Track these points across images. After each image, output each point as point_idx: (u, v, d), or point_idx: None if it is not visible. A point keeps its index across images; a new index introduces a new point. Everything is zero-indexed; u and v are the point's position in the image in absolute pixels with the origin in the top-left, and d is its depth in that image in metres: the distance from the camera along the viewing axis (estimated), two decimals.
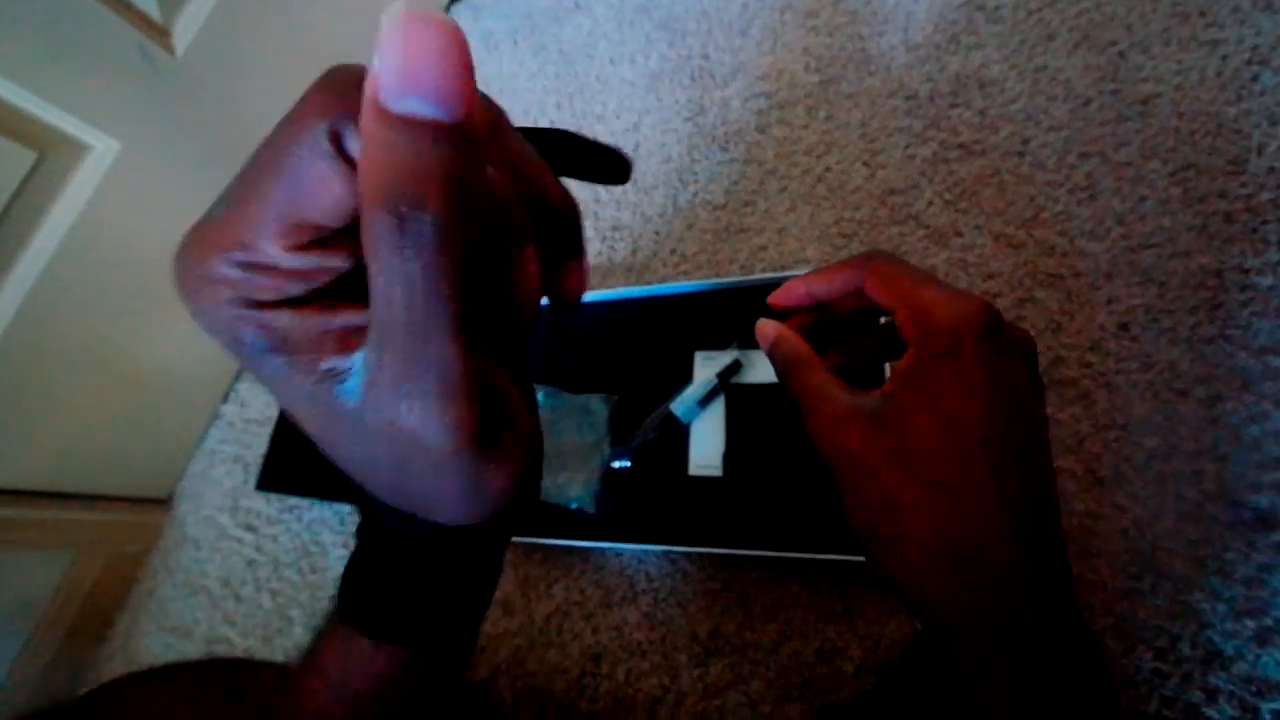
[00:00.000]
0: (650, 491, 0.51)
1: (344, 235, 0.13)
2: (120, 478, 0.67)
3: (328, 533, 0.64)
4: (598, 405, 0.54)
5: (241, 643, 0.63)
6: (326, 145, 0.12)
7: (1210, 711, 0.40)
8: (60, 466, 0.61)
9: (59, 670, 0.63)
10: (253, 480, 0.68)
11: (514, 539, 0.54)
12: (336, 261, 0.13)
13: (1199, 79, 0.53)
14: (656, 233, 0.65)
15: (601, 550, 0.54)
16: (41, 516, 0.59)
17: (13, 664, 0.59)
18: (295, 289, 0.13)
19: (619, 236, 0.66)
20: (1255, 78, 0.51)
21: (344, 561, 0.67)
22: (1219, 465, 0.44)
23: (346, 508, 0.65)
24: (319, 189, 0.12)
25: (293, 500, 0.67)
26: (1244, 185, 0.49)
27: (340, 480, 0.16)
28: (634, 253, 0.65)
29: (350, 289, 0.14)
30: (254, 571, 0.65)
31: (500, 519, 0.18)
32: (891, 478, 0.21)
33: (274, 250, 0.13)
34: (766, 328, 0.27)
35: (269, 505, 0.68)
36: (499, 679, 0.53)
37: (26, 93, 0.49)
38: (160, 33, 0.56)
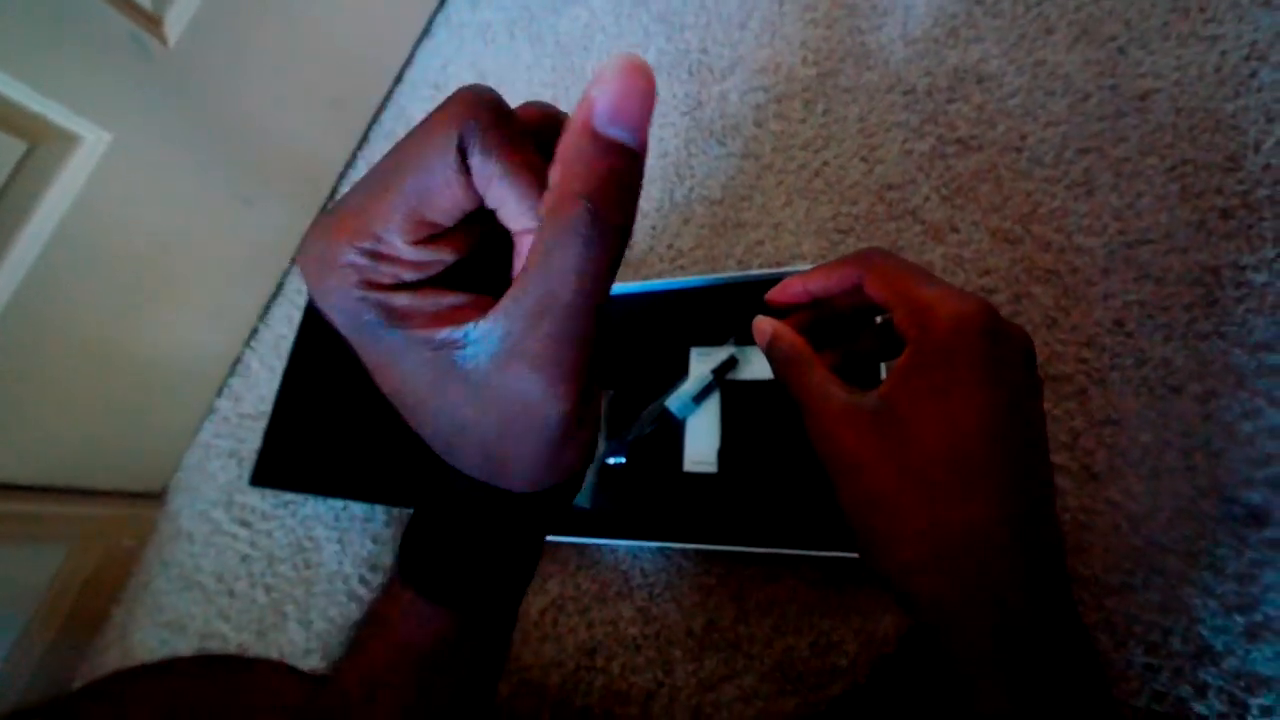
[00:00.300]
0: (645, 488, 0.51)
1: (454, 232, 0.16)
2: (114, 472, 0.67)
3: (322, 528, 0.64)
4: None
5: (235, 637, 0.63)
6: (453, 156, 0.14)
7: (1200, 706, 0.41)
8: (54, 461, 0.61)
9: (54, 663, 0.63)
10: (247, 475, 0.68)
11: None
12: (447, 255, 0.16)
13: (1197, 75, 0.52)
14: (653, 228, 0.64)
15: (597, 546, 0.54)
16: (36, 510, 0.59)
17: (7, 657, 0.59)
18: (411, 276, 0.15)
19: None
20: (1254, 74, 0.51)
21: (338, 557, 0.67)
22: (1212, 461, 0.44)
23: (340, 504, 0.65)
24: (443, 192, 0.15)
25: (287, 496, 0.67)
26: (1241, 182, 0.49)
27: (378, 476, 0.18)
28: (630, 248, 0.64)
29: (448, 278, 0.16)
30: (248, 567, 0.65)
31: (560, 488, 0.19)
32: (889, 477, 0.21)
33: (399, 242, 0.15)
34: (764, 324, 0.27)
35: (263, 500, 0.68)
36: None
37: (16, 82, 0.48)
38: (152, 22, 0.56)
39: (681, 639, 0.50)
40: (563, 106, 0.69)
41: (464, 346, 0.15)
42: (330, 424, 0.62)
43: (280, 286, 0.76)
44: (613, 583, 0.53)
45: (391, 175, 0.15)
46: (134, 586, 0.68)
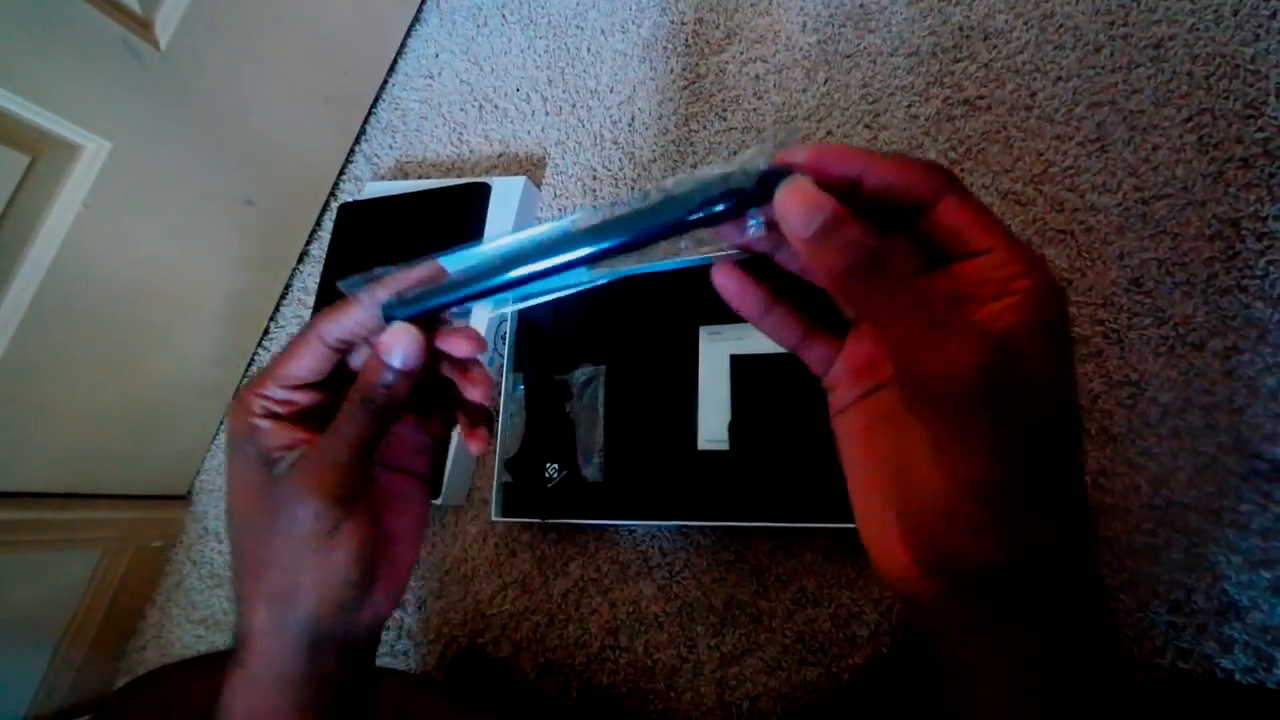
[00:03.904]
0: (661, 467, 0.51)
1: (309, 388, 0.24)
2: (140, 476, 0.68)
3: None
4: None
5: None
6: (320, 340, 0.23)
7: (1225, 661, 0.41)
8: (82, 468, 0.62)
9: (96, 664, 0.65)
10: None
11: (527, 520, 0.55)
12: (301, 398, 0.24)
13: (1214, 18, 0.50)
14: None
15: (615, 528, 0.55)
16: (67, 517, 0.61)
17: (51, 659, 0.61)
18: (279, 410, 0.23)
19: None
20: (1273, 14, 0.49)
21: None
22: (1234, 418, 0.43)
23: None
24: (304, 362, 0.23)
25: None
26: (1261, 129, 0.47)
27: None
28: None
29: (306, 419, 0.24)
30: None
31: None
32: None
33: (274, 388, 0.23)
34: (816, 195, 0.17)
35: None
36: (521, 655, 0.54)
37: (13, 95, 0.48)
38: (142, 25, 0.55)
39: (703, 615, 0.51)
40: (559, 92, 0.68)
41: (279, 461, 0.22)
42: None
43: (288, 286, 0.76)
44: (632, 563, 0.54)
45: (283, 354, 0.24)
46: (167, 586, 0.70)
